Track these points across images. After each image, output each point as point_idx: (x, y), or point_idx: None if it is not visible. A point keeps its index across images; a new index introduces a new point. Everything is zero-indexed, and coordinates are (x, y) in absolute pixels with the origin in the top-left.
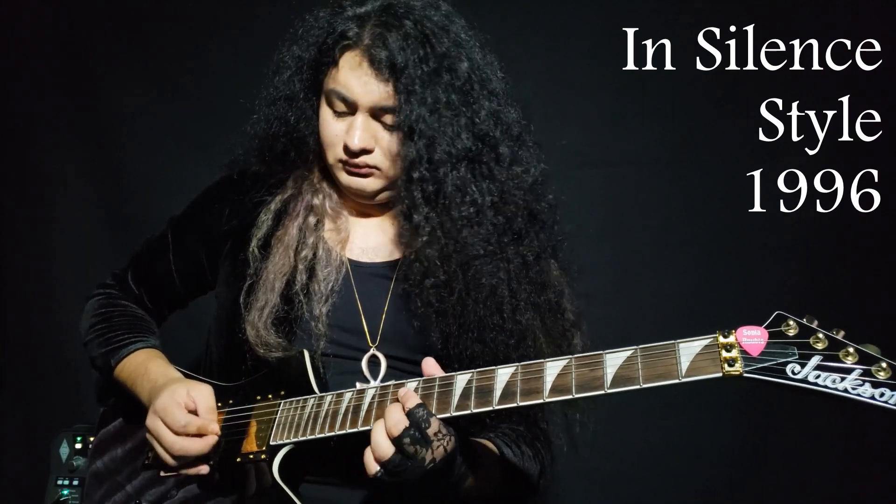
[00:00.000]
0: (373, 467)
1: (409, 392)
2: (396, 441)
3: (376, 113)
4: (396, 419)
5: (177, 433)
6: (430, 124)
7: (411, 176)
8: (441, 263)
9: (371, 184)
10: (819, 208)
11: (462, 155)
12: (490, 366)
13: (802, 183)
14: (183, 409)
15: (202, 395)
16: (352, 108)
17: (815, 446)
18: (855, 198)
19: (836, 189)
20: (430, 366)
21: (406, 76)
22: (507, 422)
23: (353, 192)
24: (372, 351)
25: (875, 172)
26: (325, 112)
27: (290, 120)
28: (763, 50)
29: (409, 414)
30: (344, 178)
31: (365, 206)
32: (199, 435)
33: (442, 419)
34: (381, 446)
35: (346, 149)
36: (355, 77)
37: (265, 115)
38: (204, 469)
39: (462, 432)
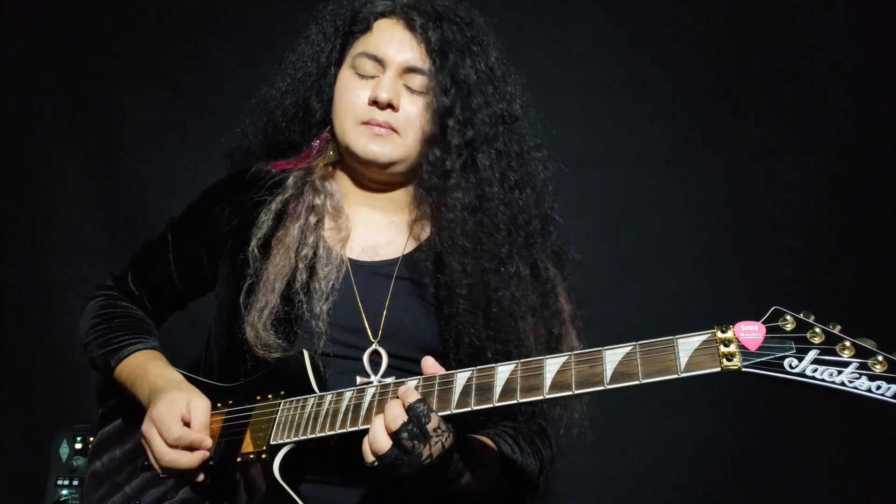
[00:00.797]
0: (369, 457)
1: (410, 389)
2: (394, 435)
3: (405, 73)
4: (395, 413)
5: (169, 445)
6: (459, 89)
7: (445, 139)
8: (462, 235)
9: (387, 150)
10: (818, 208)
11: (488, 122)
12: (484, 356)
13: (802, 183)
14: (178, 422)
15: (199, 409)
16: (380, 68)
17: (815, 445)
18: (855, 197)
19: (836, 189)
20: (430, 365)
21: (439, 39)
22: (508, 419)
23: (367, 159)
24: (374, 346)
25: (875, 172)
26: (347, 78)
27: (301, 91)
28: (763, 50)
29: (410, 409)
30: (360, 144)
31: (369, 198)
32: (191, 448)
33: (442, 416)
34: (379, 439)
35: (373, 102)
36: (389, 36)
37: (280, 90)
38: (199, 476)
39: (460, 429)
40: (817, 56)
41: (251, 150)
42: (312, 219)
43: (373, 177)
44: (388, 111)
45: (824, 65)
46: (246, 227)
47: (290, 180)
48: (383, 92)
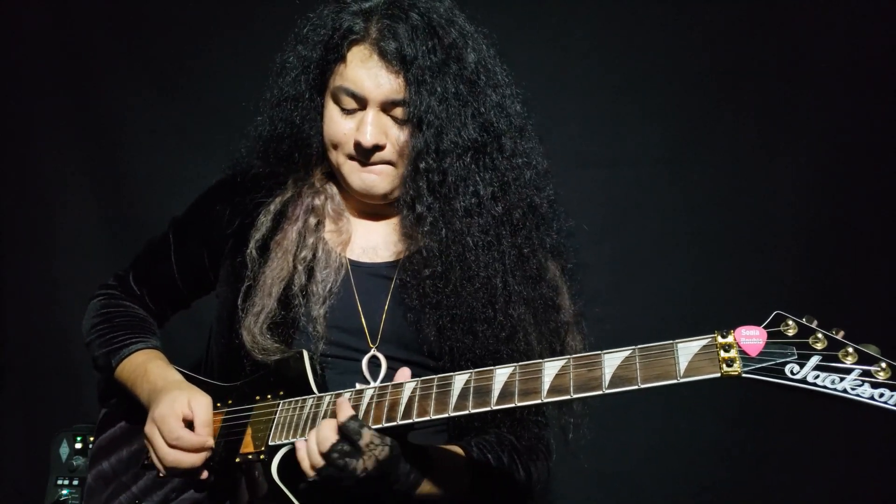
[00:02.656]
0: (309, 472)
1: (343, 402)
2: (326, 455)
3: (387, 107)
4: (325, 435)
5: (171, 446)
6: (438, 114)
7: (418, 166)
8: (440, 254)
9: (381, 183)
10: (818, 208)
11: (468, 145)
12: (481, 361)
13: (802, 183)
14: (180, 422)
15: (200, 407)
16: (361, 104)
17: (815, 447)
18: (855, 197)
19: (836, 189)
20: (404, 375)
21: (416, 67)
22: (498, 428)
23: (362, 193)
24: (372, 352)
25: (875, 172)
26: (332, 110)
27: (294, 121)
28: (763, 50)
29: (341, 427)
30: (354, 178)
31: (369, 206)
32: (194, 449)
33: (388, 428)
34: (314, 456)
35: (358, 146)
36: (365, 70)
37: (269, 117)
38: (199, 476)
39: (402, 438)
40: (817, 56)
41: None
42: (312, 220)
43: (372, 203)
44: (376, 152)
45: (824, 65)
46: (246, 229)
47: (290, 182)
48: (367, 136)
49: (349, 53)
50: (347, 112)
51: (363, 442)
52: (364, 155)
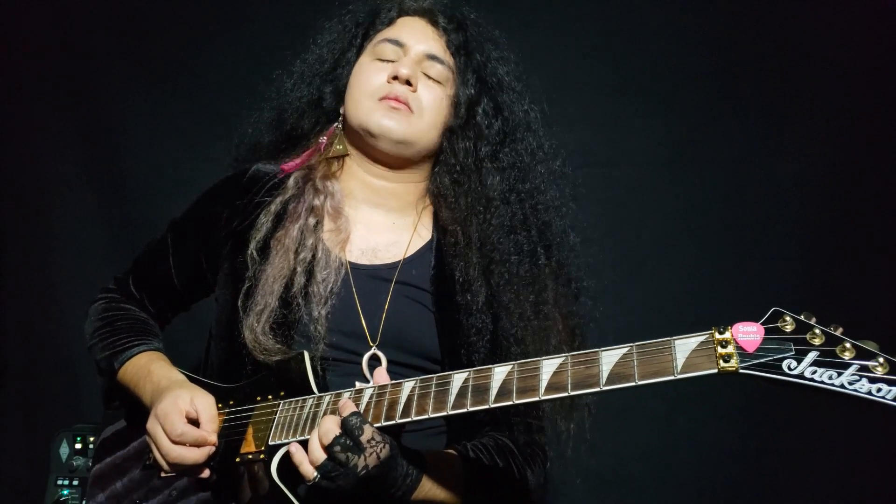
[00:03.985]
0: (310, 472)
1: (347, 402)
2: (328, 448)
3: (425, 60)
4: (328, 428)
5: (174, 441)
6: (474, 83)
7: (472, 122)
8: (468, 238)
9: (401, 126)
10: (818, 208)
11: (497, 119)
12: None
13: (802, 182)
14: (183, 418)
15: (204, 404)
16: (401, 53)
17: (815, 446)
18: (854, 197)
19: (836, 188)
20: (381, 375)
21: (458, 36)
22: (496, 432)
23: (380, 133)
24: (372, 350)
25: (875, 172)
26: (366, 61)
27: (317, 81)
28: (763, 50)
29: (343, 422)
30: (375, 117)
31: (374, 186)
32: (198, 444)
33: (386, 426)
34: (315, 453)
35: (393, 78)
36: (411, 27)
37: (292, 80)
38: (202, 475)
39: (396, 440)
40: (817, 56)
41: (258, 146)
42: (311, 220)
43: (382, 156)
44: (406, 88)
45: (824, 65)
46: (245, 230)
47: (291, 181)
48: (403, 68)
49: (399, 20)
50: (384, 61)
51: (364, 437)
52: (395, 86)
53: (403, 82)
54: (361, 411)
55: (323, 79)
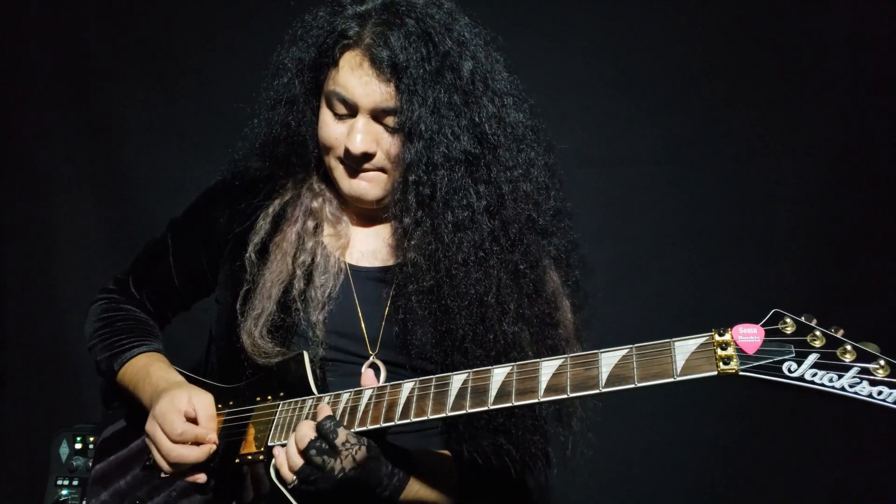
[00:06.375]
0: (289, 477)
1: (323, 406)
2: (304, 453)
3: (378, 115)
4: (303, 433)
5: (174, 441)
6: (429, 126)
7: (407, 178)
8: (428, 269)
9: (372, 189)
10: (819, 208)
11: (461, 157)
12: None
13: (802, 182)
14: (181, 417)
15: (203, 402)
16: (352, 111)
17: (815, 446)
18: (854, 197)
19: (837, 188)
20: (368, 378)
21: (407, 76)
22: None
23: (353, 198)
24: (371, 359)
25: (875, 172)
26: (326, 114)
27: (290, 124)
28: (763, 50)
29: (318, 426)
30: (345, 183)
31: (366, 210)
32: (197, 443)
33: (366, 430)
34: (292, 458)
35: (347, 153)
36: (356, 77)
37: (266, 119)
38: (201, 477)
39: (381, 440)
40: (817, 56)
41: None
42: (311, 223)
43: (364, 206)
44: (366, 160)
45: (824, 64)
46: (244, 232)
47: (290, 183)
48: (356, 144)
49: (342, 59)
50: (339, 117)
51: (339, 440)
52: (354, 162)
53: (360, 157)
54: (360, 412)
55: (298, 122)
